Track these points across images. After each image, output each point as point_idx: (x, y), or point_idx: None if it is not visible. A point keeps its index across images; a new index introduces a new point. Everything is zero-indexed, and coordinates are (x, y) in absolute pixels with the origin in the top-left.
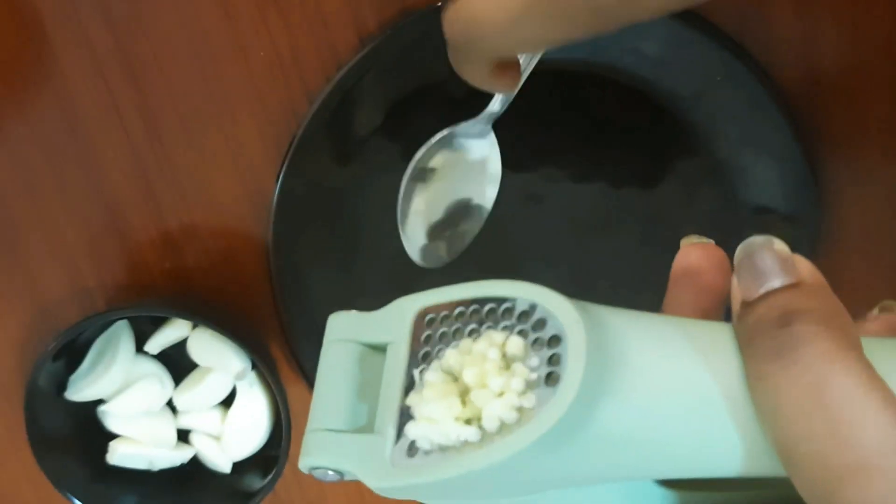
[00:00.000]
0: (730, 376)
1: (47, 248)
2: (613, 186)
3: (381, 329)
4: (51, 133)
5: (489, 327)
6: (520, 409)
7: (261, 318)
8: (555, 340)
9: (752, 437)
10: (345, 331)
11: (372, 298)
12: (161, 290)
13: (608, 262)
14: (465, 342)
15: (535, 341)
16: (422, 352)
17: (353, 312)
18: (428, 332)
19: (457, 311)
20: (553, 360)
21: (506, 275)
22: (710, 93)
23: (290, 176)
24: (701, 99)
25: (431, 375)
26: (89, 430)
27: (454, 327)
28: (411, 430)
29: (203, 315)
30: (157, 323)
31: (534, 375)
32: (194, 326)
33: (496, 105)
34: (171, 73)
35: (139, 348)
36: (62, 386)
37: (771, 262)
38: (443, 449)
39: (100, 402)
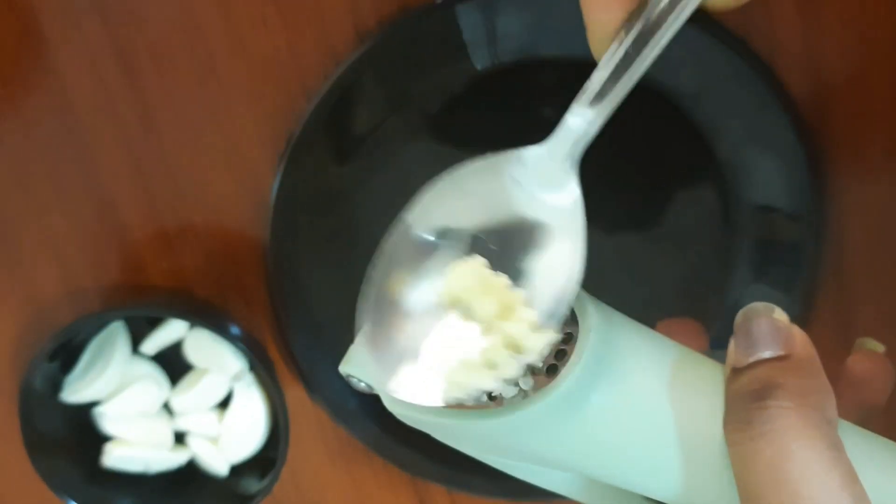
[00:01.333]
0: (704, 419)
1: (42, 247)
2: (614, 185)
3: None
4: (46, 131)
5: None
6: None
7: (258, 318)
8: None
9: (713, 484)
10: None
11: None
12: (157, 291)
13: (607, 260)
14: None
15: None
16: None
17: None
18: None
19: None
20: (558, 355)
21: None
22: (713, 91)
23: (288, 174)
24: (704, 97)
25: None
26: (85, 431)
27: None
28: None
29: (200, 315)
30: (154, 323)
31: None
32: (191, 327)
33: (582, 116)
34: (167, 71)
35: (135, 349)
36: (57, 387)
37: (765, 331)
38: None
39: (95, 403)
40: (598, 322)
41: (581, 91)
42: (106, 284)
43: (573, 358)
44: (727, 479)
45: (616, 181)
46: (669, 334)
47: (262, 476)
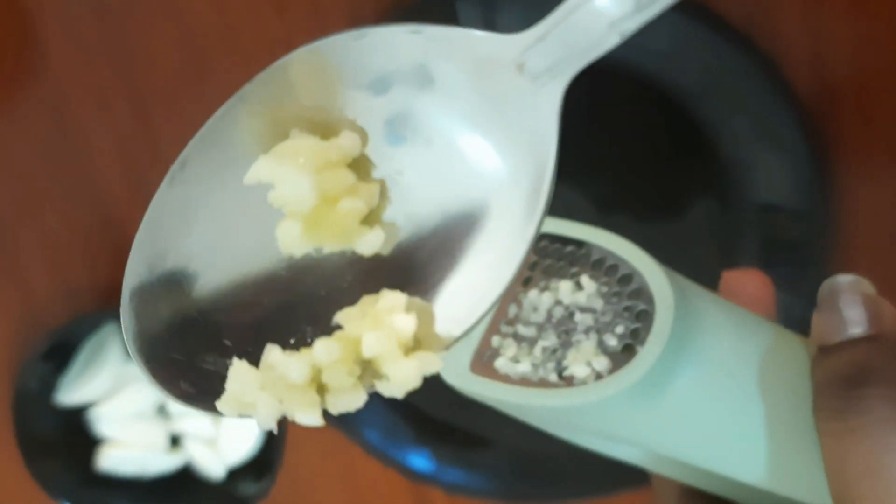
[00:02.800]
0: (791, 401)
1: (36, 247)
2: (616, 182)
3: None
4: (41, 130)
5: (582, 274)
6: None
7: None
8: (638, 300)
9: (795, 463)
10: None
11: None
12: None
13: None
14: (565, 285)
15: (616, 297)
16: (526, 275)
17: None
18: (534, 257)
19: (556, 246)
20: (633, 333)
21: None
22: (717, 88)
23: None
24: (708, 94)
25: (528, 315)
26: (79, 434)
27: (557, 262)
28: (498, 361)
29: None
30: None
31: (613, 341)
32: None
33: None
34: (162, 68)
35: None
36: (51, 389)
37: (854, 308)
38: (522, 376)
39: (90, 405)
40: (676, 299)
41: None
42: (101, 284)
43: (651, 340)
44: (815, 463)
45: (616, 178)
46: (738, 286)
47: (259, 479)
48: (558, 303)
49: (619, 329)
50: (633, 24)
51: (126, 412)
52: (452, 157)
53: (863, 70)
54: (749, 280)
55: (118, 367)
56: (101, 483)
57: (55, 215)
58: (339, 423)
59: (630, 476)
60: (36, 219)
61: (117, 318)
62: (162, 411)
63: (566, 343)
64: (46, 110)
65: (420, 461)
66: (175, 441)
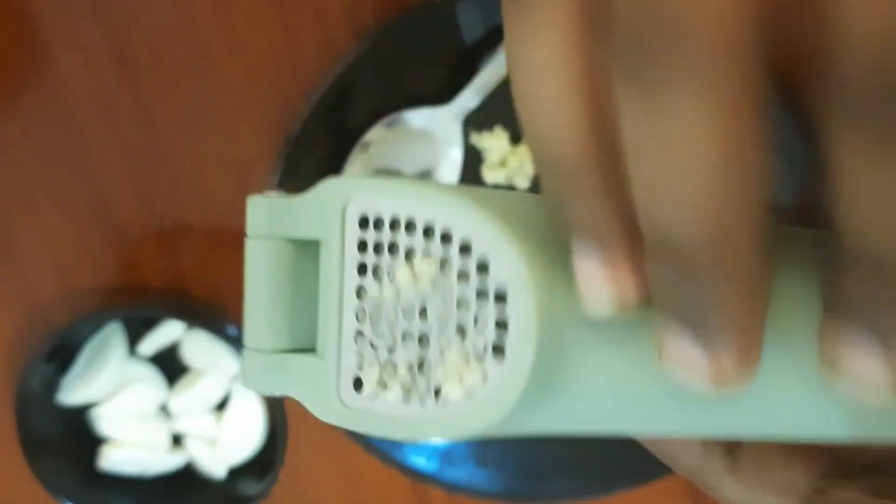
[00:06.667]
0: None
1: (38, 247)
2: None
3: (310, 221)
4: (43, 131)
5: (415, 252)
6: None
7: None
8: (487, 275)
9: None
10: (268, 222)
11: None
12: (154, 291)
13: None
14: (403, 273)
15: (463, 278)
16: (364, 261)
17: (275, 195)
18: (372, 235)
19: (391, 217)
20: (501, 324)
21: None
22: None
23: (286, 173)
24: None
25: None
26: (82, 433)
27: (390, 238)
28: (365, 391)
29: (197, 316)
30: (151, 324)
31: (481, 343)
32: (188, 328)
33: (471, 99)
34: (164, 70)
35: (132, 351)
36: (54, 389)
37: None
38: (396, 405)
39: (92, 405)
40: (531, 274)
41: None
42: (103, 285)
43: (515, 342)
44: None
45: None
46: None
47: (261, 479)
48: (402, 295)
49: (483, 323)
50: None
51: (128, 412)
52: None
53: None
54: None
55: (120, 367)
56: (104, 482)
57: (57, 217)
58: None
59: (630, 477)
60: (38, 219)
61: (118, 318)
62: (163, 411)
63: (430, 352)
64: (48, 110)
65: (421, 460)
66: (177, 440)
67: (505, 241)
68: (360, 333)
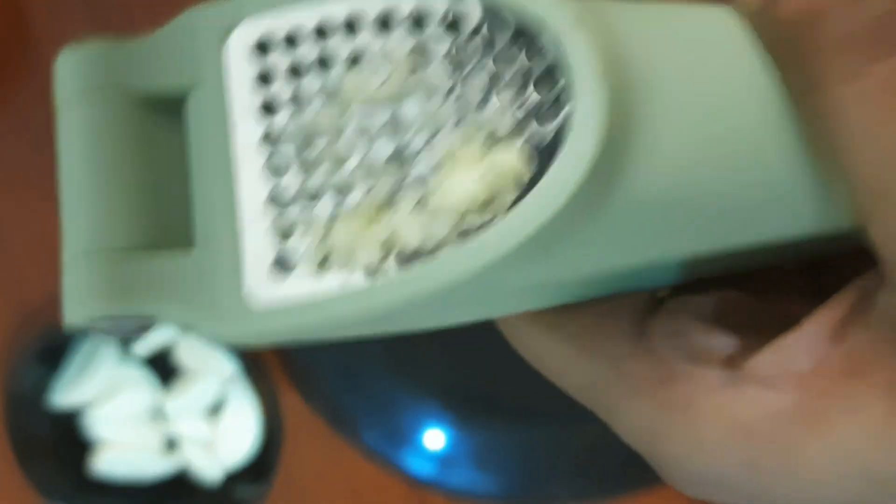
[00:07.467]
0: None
1: (31, 247)
2: None
3: (165, 68)
4: (35, 129)
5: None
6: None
7: None
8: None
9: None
10: (94, 75)
11: None
12: None
13: None
14: (355, 75)
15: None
16: (271, 96)
17: (103, 43)
18: (261, 66)
19: (312, 26)
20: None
21: None
22: None
23: None
24: None
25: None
26: (73, 436)
27: (317, 52)
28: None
29: None
30: None
31: (508, 122)
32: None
33: None
34: None
35: (125, 352)
36: (45, 390)
37: None
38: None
39: (85, 407)
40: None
41: None
42: None
43: (577, 128)
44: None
45: None
46: None
47: (256, 483)
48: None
49: (517, 87)
50: None
51: (121, 414)
52: None
53: None
54: None
55: (113, 369)
56: (96, 486)
57: (49, 215)
58: (338, 425)
59: (630, 481)
60: (30, 219)
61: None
62: (157, 414)
63: (415, 168)
64: (42, 109)
65: (420, 463)
66: (171, 444)
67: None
68: (277, 189)
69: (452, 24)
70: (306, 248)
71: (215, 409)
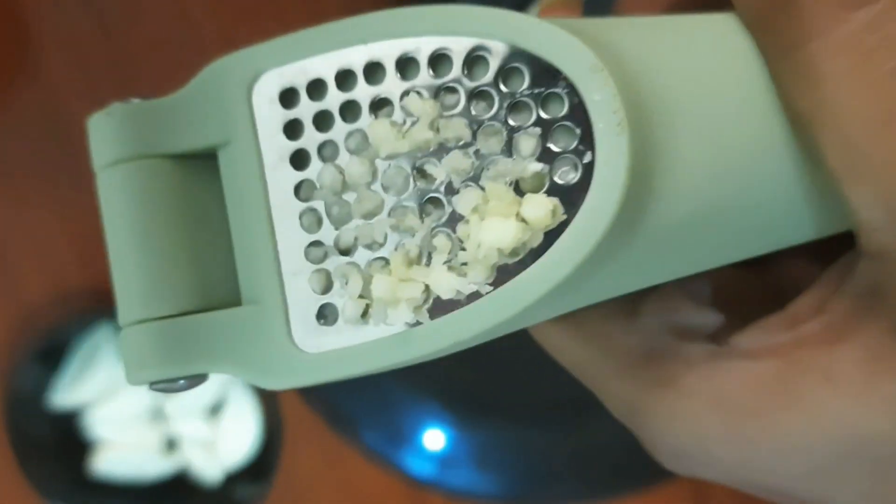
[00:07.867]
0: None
1: (30, 247)
2: None
3: (196, 126)
4: (34, 130)
5: (412, 93)
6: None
7: None
8: (544, 101)
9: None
10: (127, 143)
11: None
12: None
13: None
14: (379, 126)
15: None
16: (300, 146)
17: (132, 103)
18: (287, 116)
19: (336, 71)
20: (554, 145)
21: None
22: None
23: None
24: None
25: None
26: (73, 436)
27: (341, 100)
28: (373, 288)
29: None
30: None
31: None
32: None
33: None
34: (159, 69)
35: None
36: (45, 390)
37: None
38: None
39: (84, 407)
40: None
41: None
42: (95, 285)
43: (600, 178)
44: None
45: None
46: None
47: (256, 483)
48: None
49: (544, 132)
50: None
51: (121, 415)
52: None
53: None
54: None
55: (113, 369)
56: (96, 486)
57: (49, 216)
58: (338, 425)
59: (632, 481)
60: (30, 219)
61: (111, 319)
62: (157, 414)
63: (445, 216)
64: (40, 111)
65: (420, 464)
66: (171, 444)
67: (556, 33)
68: (314, 244)
69: (472, 69)
70: (346, 301)
71: (215, 410)
